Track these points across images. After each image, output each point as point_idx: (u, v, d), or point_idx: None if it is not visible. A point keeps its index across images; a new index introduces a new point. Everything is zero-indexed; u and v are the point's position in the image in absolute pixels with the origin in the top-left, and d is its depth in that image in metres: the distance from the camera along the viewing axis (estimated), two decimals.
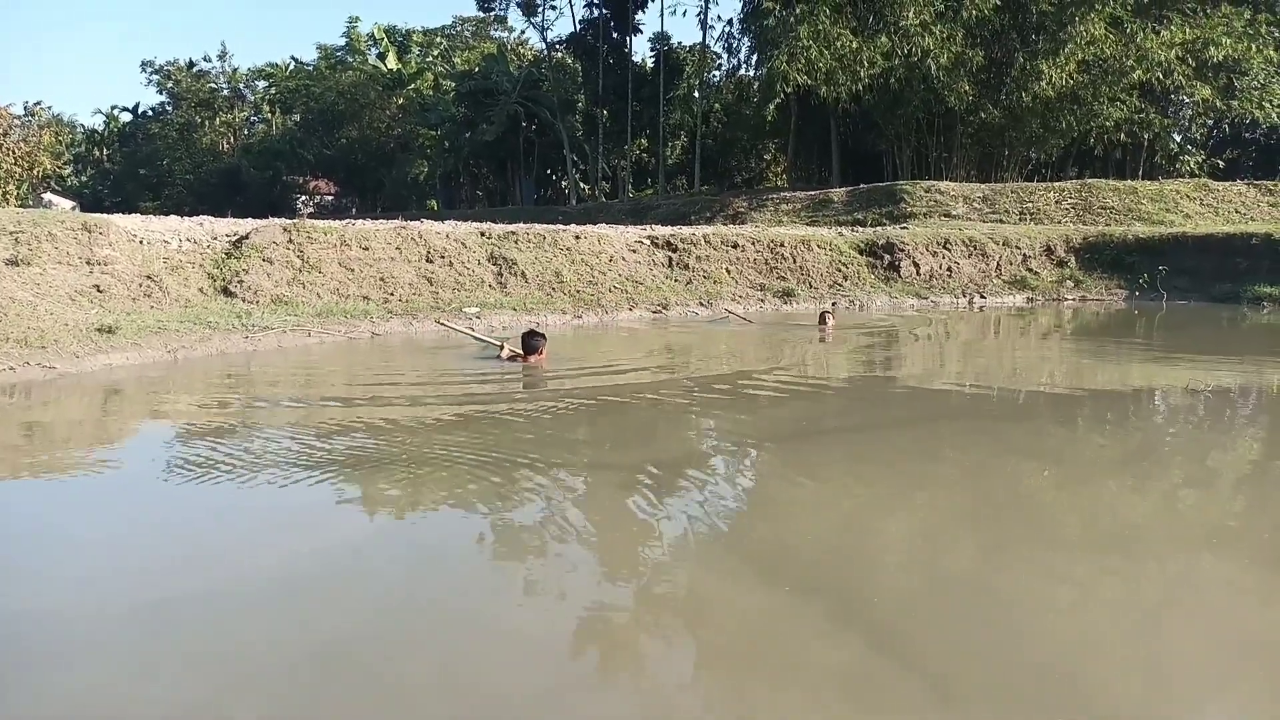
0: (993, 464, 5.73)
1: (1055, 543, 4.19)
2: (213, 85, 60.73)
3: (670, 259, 17.56)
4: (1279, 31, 27.94)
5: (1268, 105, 27.75)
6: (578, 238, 17.03)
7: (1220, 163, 33.40)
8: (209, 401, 7.86)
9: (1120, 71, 26.19)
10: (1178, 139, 31.36)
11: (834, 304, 17.00)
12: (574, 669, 3.01)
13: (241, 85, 61.94)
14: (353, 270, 14.19)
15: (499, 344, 9.66)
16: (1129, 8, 25.88)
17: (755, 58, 33.69)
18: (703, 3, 38.10)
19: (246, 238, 13.94)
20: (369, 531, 4.41)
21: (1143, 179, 27.89)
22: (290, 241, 14.07)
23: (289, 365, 9.98)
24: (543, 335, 9.41)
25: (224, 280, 13.09)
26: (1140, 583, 3.73)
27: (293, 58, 60.52)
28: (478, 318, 13.65)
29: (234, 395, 8.16)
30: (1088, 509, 4.74)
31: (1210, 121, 31.85)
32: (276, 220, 15.43)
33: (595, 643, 3.19)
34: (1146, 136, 28.83)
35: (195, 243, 13.61)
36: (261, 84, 61.35)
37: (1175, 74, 26.30)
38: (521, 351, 9.20)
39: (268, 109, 61.27)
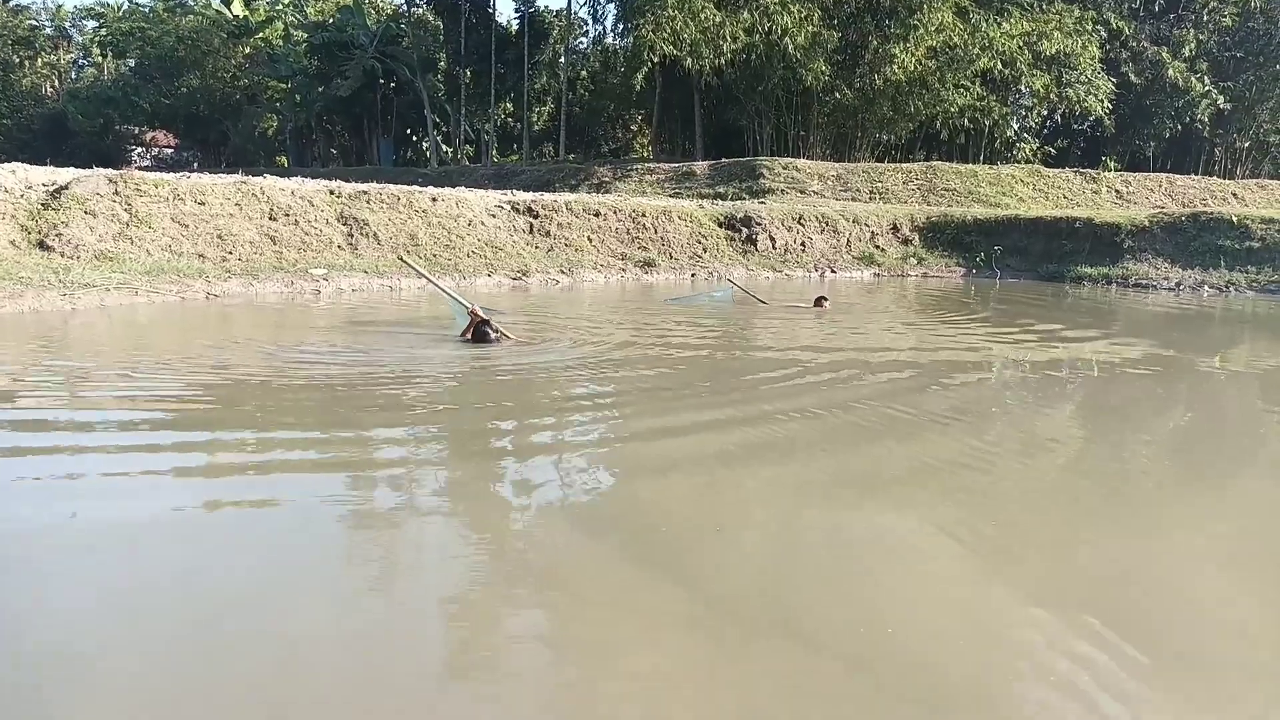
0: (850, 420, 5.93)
1: (902, 500, 4.37)
2: (33, 22, 55.22)
3: (531, 225, 17.32)
4: (1104, 31, 30.13)
5: (1093, 98, 29.85)
6: (435, 200, 16.54)
7: (1052, 150, 35.77)
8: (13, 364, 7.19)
9: (967, 59, 27.62)
10: (1015, 127, 33.33)
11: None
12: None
13: (67, 24, 56.72)
14: (187, 226, 13.28)
15: (468, 305, 8.53)
16: None
17: (621, 26, 33.62)
18: None
19: (66, 188, 12.81)
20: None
21: (982, 163, 29.58)
22: (117, 194, 13.03)
23: (112, 325, 9.27)
24: (494, 328, 8.33)
25: (40, 233, 12.01)
26: (976, 539, 3.94)
27: None
28: (325, 279, 13.09)
29: (45, 358, 7.50)
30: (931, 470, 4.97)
31: (1044, 112, 33.97)
32: (101, 170, 14.27)
33: None
34: (987, 123, 30.54)
35: (6, 191, 12.40)
36: (90, 24, 56.28)
37: (1017, 63, 27.98)
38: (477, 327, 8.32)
39: (98, 52, 56.22)
